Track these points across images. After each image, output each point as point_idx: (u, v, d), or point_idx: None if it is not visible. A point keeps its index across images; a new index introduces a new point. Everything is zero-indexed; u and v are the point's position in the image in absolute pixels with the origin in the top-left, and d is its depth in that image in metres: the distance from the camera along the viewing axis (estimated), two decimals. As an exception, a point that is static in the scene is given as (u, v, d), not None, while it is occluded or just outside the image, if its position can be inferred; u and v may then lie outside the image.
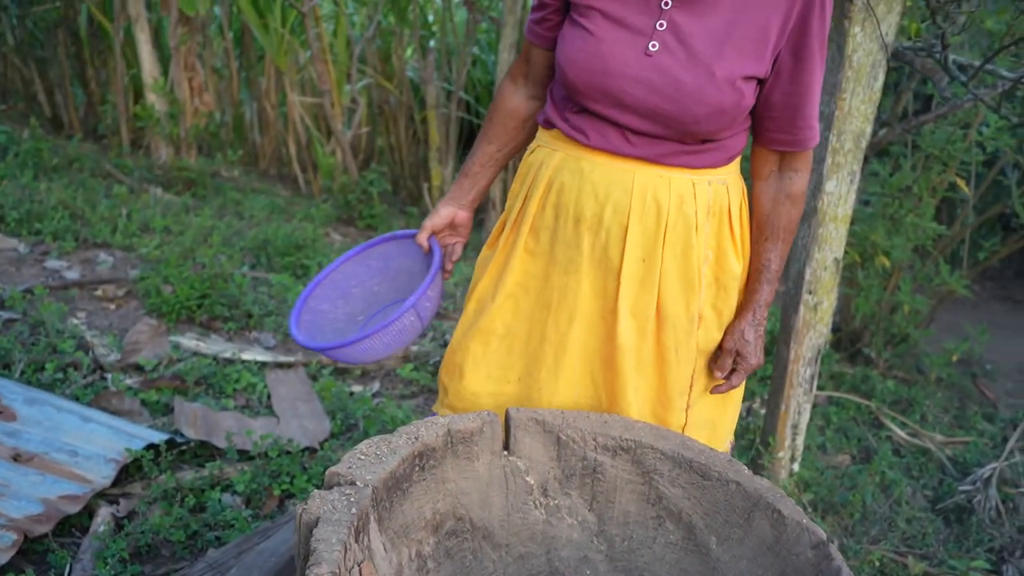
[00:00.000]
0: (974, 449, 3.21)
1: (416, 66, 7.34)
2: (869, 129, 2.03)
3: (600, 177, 1.36)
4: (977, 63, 2.30)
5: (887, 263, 3.61)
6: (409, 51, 7.41)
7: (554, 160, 1.41)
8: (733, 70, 1.27)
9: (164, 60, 6.70)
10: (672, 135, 1.32)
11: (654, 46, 1.28)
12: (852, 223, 3.63)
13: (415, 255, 1.65)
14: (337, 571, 0.94)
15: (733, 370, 1.47)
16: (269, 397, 2.58)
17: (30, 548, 1.72)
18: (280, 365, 2.80)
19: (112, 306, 3.09)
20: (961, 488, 2.83)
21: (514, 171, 5.45)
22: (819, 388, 3.46)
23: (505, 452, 1.30)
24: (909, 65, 2.32)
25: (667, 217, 1.36)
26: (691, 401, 1.44)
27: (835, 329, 4.04)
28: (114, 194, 4.45)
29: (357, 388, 2.80)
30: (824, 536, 1.10)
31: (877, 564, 2.30)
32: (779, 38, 1.28)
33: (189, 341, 2.79)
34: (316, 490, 1.09)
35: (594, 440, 1.29)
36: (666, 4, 1.27)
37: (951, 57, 2.25)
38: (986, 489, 2.85)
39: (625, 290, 1.39)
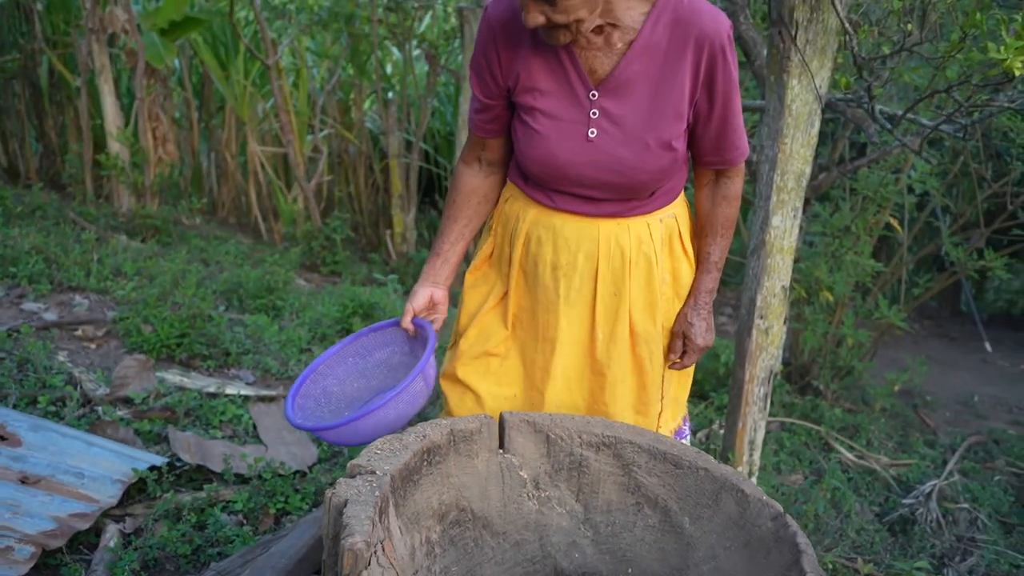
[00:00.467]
0: (916, 470, 3.44)
1: (375, 117, 7.55)
2: (808, 169, 2.27)
3: (570, 232, 1.60)
4: (902, 112, 2.58)
5: (831, 298, 3.88)
6: (368, 103, 7.63)
7: (529, 215, 1.64)
8: (663, 135, 1.51)
9: (124, 110, 6.80)
10: (626, 196, 1.57)
11: (593, 132, 1.51)
12: (797, 261, 3.91)
13: (394, 343, 1.79)
14: (368, 541, 1.09)
15: (684, 351, 1.71)
16: (255, 427, 2.69)
17: (43, 563, 1.81)
18: (262, 399, 2.91)
19: (93, 345, 3.17)
20: (904, 501, 3.05)
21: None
22: (771, 416, 3.68)
23: (501, 450, 1.46)
24: (842, 114, 2.58)
25: (630, 257, 1.61)
26: (664, 392, 1.66)
27: (785, 363, 4.28)
28: (83, 240, 4.52)
29: (337, 419, 2.92)
30: (781, 509, 1.27)
31: (830, 567, 2.49)
32: (692, 93, 1.52)
33: (174, 377, 2.89)
34: (341, 478, 1.23)
35: (579, 437, 1.46)
36: (594, 96, 1.50)
37: (878, 108, 2.53)
38: (927, 503, 3.08)
39: (600, 320, 1.64)
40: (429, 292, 1.74)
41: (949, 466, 3.50)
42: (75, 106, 7.00)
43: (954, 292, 7.71)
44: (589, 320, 1.64)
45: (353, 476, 1.24)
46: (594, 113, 1.50)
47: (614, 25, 1.46)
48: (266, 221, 7.46)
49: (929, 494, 3.13)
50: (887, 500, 3.21)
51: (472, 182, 1.71)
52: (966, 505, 3.11)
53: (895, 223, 4.01)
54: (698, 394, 3.96)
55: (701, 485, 1.38)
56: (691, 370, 1.82)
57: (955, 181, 4.97)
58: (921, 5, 2.10)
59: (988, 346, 6.24)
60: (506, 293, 1.70)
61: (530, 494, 1.46)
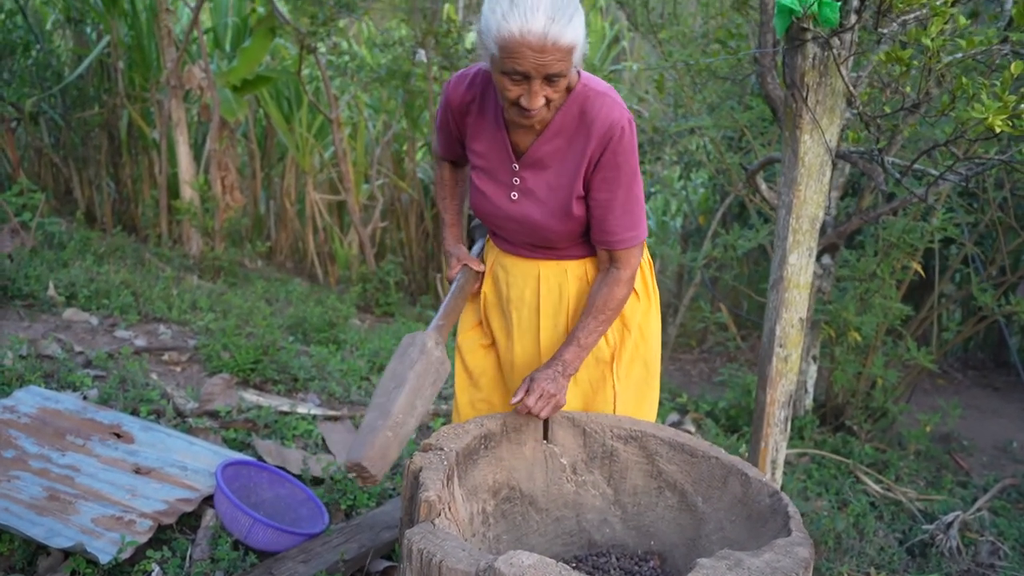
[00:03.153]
0: (944, 505, 3.54)
1: (427, 167, 7.97)
2: (821, 214, 2.55)
3: (518, 271, 1.95)
4: (918, 163, 2.83)
5: (859, 338, 4.08)
6: (420, 154, 8.07)
7: (493, 255, 2.01)
8: (565, 206, 1.82)
9: (195, 159, 7.31)
10: (543, 245, 1.90)
11: (514, 195, 1.85)
12: (828, 303, 4.14)
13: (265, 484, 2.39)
14: (440, 495, 1.37)
15: (528, 390, 1.83)
16: (323, 441, 3.00)
17: (156, 538, 2.14)
18: (328, 418, 3.23)
19: (178, 369, 3.54)
20: (925, 527, 3.22)
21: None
22: (803, 449, 3.86)
23: (545, 440, 1.74)
24: (854, 165, 2.85)
25: (568, 293, 1.93)
26: (616, 406, 1.96)
27: (820, 403, 4.46)
28: (163, 278, 4.94)
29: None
30: (777, 488, 1.53)
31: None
32: (585, 174, 1.78)
33: (251, 396, 3.24)
34: (416, 452, 1.53)
35: (611, 431, 1.74)
36: (515, 167, 1.83)
37: (890, 159, 2.79)
38: (948, 530, 3.23)
39: (544, 348, 1.95)
40: (462, 247, 2.07)
41: (979, 503, 3.60)
42: (150, 156, 7.55)
43: (1000, 343, 7.74)
44: (536, 350, 1.95)
45: (425, 451, 1.54)
46: (516, 180, 1.83)
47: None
48: (322, 265, 7.89)
49: (951, 523, 3.28)
50: (911, 529, 3.36)
51: (449, 171, 2.08)
52: (990, 537, 3.22)
53: (918, 267, 4.21)
54: (731, 428, 4.17)
55: (712, 470, 1.64)
56: (653, 391, 2.03)
57: (987, 230, 5.13)
58: (919, 71, 2.38)
59: (1031, 395, 6.25)
60: (480, 321, 2.06)
61: (569, 478, 1.74)
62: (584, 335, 1.83)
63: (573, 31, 1.58)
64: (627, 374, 1.98)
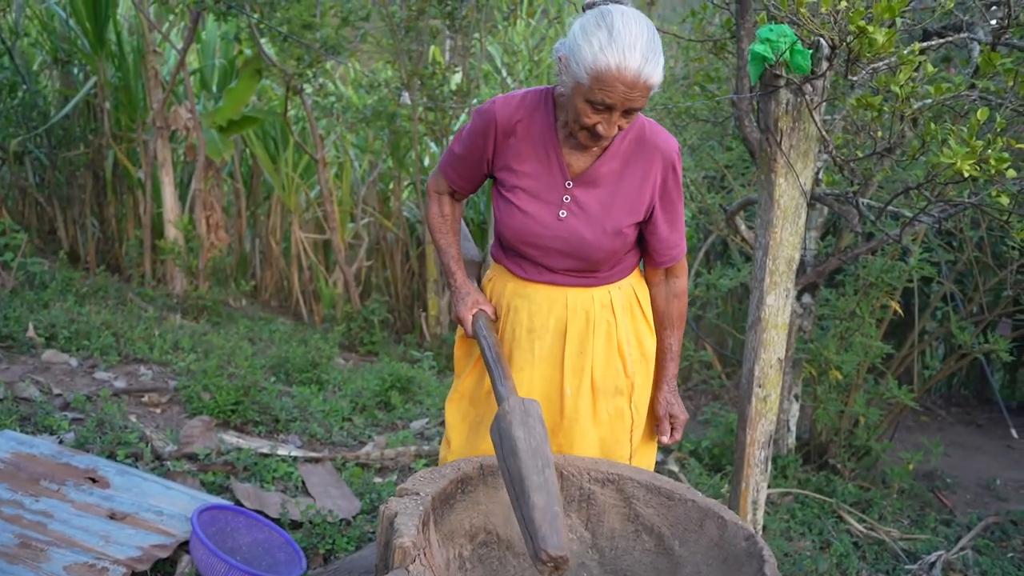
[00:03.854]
0: (928, 544, 3.54)
1: (412, 206, 8.01)
2: (797, 255, 2.58)
3: (543, 299, 1.94)
4: (895, 205, 2.88)
5: (840, 376, 4.10)
6: (406, 193, 8.12)
7: (508, 288, 1.99)
8: (618, 224, 1.87)
9: (180, 199, 7.32)
10: (581, 267, 1.92)
11: (563, 213, 1.87)
12: (809, 341, 4.17)
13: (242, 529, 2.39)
14: (415, 542, 1.37)
15: (672, 427, 2.03)
16: (303, 484, 2.98)
17: (130, 586, 2.11)
18: (309, 460, 3.21)
19: (158, 410, 3.51)
20: (908, 567, 3.21)
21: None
22: (786, 488, 3.86)
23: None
24: (829, 207, 2.90)
25: (593, 319, 1.93)
26: (632, 451, 1.94)
27: (803, 442, 4.46)
28: (145, 318, 4.92)
29: (378, 480, 3.20)
30: (752, 531, 1.53)
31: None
32: (651, 198, 1.89)
33: (232, 438, 3.21)
34: (391, 497, 1.52)
35: (588, 474, 1.74)
36: (569, 184, 1.86)
37: (865, 201, 2.84)
38: (931, 570, 3.22)
39: (568, 376, 1.93)
40: (475, 288, 2.02)
41: (962, 542, 3.60)
42: (134, 196, 7.55)
43: (983, 380, 7.79)
44: (558, 377, 1.93)
45: (401, 496, 1.53)
46: (566, 198, 1.87)
47: None
48: (307, 303, 7.88)
49: (934, 563, 3.27)
50: (894, 569, 3.35)
51: (450, 207, 2.06)
52: (973, 577, 3.22)
53: (897, 306, 4.25)
54: (715, 467, 4.17)
55: (689, 514, 1.65)
56: (654, 445, 2.10)
57: (965, 268, 5.20)
58: (891, 116, 2.43)
59: (1014, 432, 6.29)
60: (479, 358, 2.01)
61: (547, 522, 1.72)
62: (678, 347, 2.04)
63: (660, 73, 1.68)
64: (643, 404, 2.01)
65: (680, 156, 1.90)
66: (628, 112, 1.71)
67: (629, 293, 1.98)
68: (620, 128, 1.75)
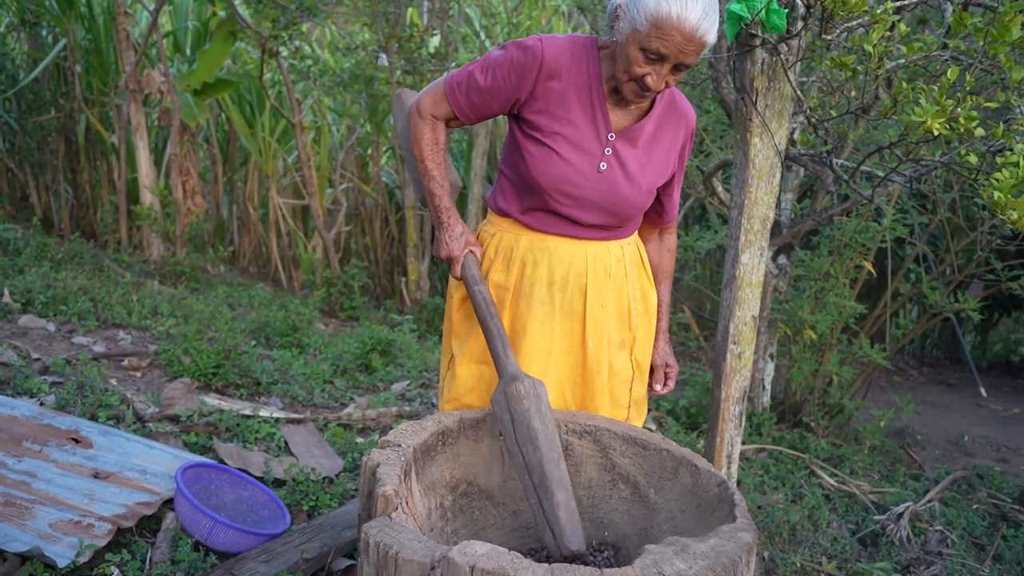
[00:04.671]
0: (897, 497, 3.64)
1: (391, 171, 7.97)
2: (772, 214, 2.62)
3: (563, 252, 1.93)
4: (869, 166, 2.93)
5: (814, 336, 4.18)
6: (385, 158, 8.07)
7: (522, 243, 1.95)
8: (652, 183, 1.91)
9: (155, 164, 7.25)
10: (608, 222, 1.92)
11: (604, 166, 1.87)
12: (784, 302, 4.24)
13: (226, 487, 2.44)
14: (396, 490, 1.40)
15: (666, 377, 2.09)
16: (286, 444, 3.01)
17: (116, 541, 2.13)
18: (291, 421, 3.23)
19: (138, 374, 3.51)
20: (876, 517, 3.31)
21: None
22: (760, 446, 3.95)
23: (501, 436, 1.78)
24: (803, 167, 2.94)
25: (611, 272, 1.95)
26: (631, 403, 1.97)
27: (778, 401, 4.55)
28: (122, 283, 4.89)
29: (360, 440, 3.24)
30: (724, 478, 1.58)
31: (798, 567, 2.76)
32: (675, 161, 1.95)
33: (213, 400, 3.23)
34: (374, 448, 1.55)
35: (566, 426, 1.78)
36: (612, 137, 1.86)
37: (838, 161, 2.88)
38: (899, 521, 3.33)
39: (590, 329, 1.94)
40: (464, 226, 1.96)
41: (930, 495, 3.70)
42: (108, 161, 7.47)
43: (954, 340, 7.95)
44: (580, 330, 1.94)
45: (383, 448, 1.56)
46: (608, 151, 1.86)
47: None
48: (286, 270, 7.86)
49: (902, 514, 3.38)
50: (863, 520, 3.45)
51: (444, 135, 1.96)
52: (939, 527, 3.32)
53: (870, 267, 4.32)
54: (692, 425, 4.25)
55: (663, 463, 1.69)
56: (646, 378, 2.11)
57: (938, 230, 5.28)
58: (865, 77, 2.46)
59: (983, 391, 6.43)
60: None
61: (526, 473, 1.77)
62: (668, 300, 2.14)
63: (715, 33, 1.68)
64: (643, 357, 2.04)
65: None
66: (678, 68, 1.71)
67: (635, 248, 2.03)
68: (668, 84, 1.75)
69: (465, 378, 1.98)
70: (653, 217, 2.07)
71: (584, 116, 1.85)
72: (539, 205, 1.91)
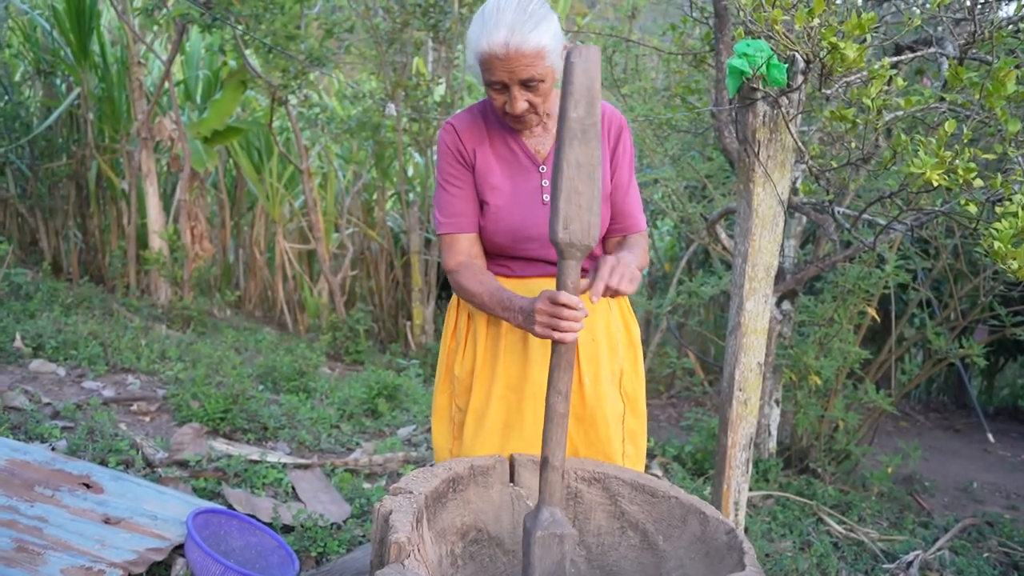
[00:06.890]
0: (906, 545, 3.62)
1: (397, 216, 8.05)
2: (776, 262, 2.66)
3: (538, 291, 1.86)
4: (870, 214, 2.98)
5: (819, 381, 4.19)
6: (390, 203, 8.16)
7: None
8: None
9: (164, 209, 7.34)
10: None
11: (546, 198, 1.91)
12: (788, 348, 4.25)
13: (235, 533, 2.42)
14: (409, 537, 1.42)
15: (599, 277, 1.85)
16: (294, 489, 3.02)
17: (126, 589, 2.14)
18: (299, 466, 3.25)
19: (147, 418, 3.54)
20: (886, 566, 3.29)
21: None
22: (767, 494, 3.93)
23: (511, 483, 1.80)
24: (806, 216, 2.99)
25: (595, 306, 1.93)
26: (625, 436, 1.98)
27: (784, 447, 4.54)
28: (131, 328, 4.93)
29: (368, 485, 3.24)
30: (732, 525, 1.60)
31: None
32: (610, 165, 1.93)
33: (222, 445, 3.25)
34: (386, 496, 1.57)
35: (575, 474, 1.80)
36: (543, 169, 1.91)
37: (840, 210, 2.93)
38: (908, 569, 3.30)
39: (584, 365, 1.93)
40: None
41: (939, 543, 3.68)
42: (118, 207, 7.56)
43: (960, 386, 7.91)
44: (575, 366, 1.91)
45: (395, 495, 1.58)
46: (544, 182, 1.91)
47: (549, 115, 1.92)
48: (292, 313, 7.90)
49: (911, 563, 3.35)
50: (872, 569, 3.43)
51: (480, 255, 1.95)
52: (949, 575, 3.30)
53: (874, 312, 4.35)
54: (697, 471, 4.24)
55: (672, 510, 1.71)
56: (643, 411, 2.06)
57: (941, 275, 5.31)
58: (864, 128, 2.52)
59: (991, 437, 6.38)
60: (471, 369, 1.98)
61: (535, 520, 1.78)
62: (630, 260, 1.82)
63: (537, 36, 1.71)
64: (632, 390, 2.01)
65: (628, 128, 1.96)
66: (526, 85, 1.75)
67: None
68: (531, 103, 1.78)
69: (497, 411, 1.96)
70: (624, 226, 2.00)
71: (510, 160, 1.92)
72: (511, 255, 1.96)
